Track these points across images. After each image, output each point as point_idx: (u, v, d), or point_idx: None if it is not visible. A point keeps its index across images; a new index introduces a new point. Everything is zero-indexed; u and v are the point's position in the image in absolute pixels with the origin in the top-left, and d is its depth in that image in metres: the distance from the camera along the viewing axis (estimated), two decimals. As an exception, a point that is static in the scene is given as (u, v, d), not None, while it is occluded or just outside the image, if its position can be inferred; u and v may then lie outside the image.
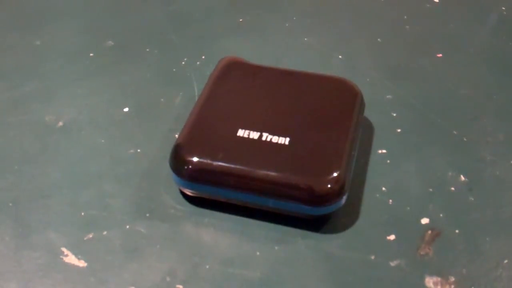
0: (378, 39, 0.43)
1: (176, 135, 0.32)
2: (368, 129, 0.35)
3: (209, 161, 0.29)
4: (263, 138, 0.30)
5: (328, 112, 0.32)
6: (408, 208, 0.31)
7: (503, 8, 0.46)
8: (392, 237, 0.29)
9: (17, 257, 0.29)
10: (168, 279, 0.28)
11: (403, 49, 0.42)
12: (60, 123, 0.36)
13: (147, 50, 0.42)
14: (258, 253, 0.29)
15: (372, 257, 0.29)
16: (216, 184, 0.29)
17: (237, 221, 0.30)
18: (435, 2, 0.47)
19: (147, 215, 0.30)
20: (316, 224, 0.30)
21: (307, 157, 0.29)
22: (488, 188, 0.32)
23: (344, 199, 0.29)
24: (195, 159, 0.29)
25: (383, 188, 0.32)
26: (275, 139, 0.30)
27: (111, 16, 0.45)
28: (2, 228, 0.30)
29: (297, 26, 0.44)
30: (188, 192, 0.31)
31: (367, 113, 0.35)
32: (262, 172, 0.29)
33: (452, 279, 0.28)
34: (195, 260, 0.28)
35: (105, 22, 0.45)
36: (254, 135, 0.30)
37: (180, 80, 0.39)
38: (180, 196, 0.31)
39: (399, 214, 0.31)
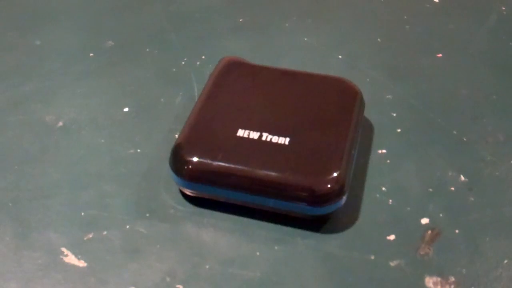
0: (378, 39, 0.43)
1: (176, 135, 0.32)
2: (368, 129, 0.35)
3: (209, 161, 0.29)
4: (263, 138, 0.30)
5: (328, 112, 0.32)
6: (408, 208, 0.31)
7: (503, 8, 0.46)
8: (392, 237, 0.29)
9: (17, 257, 0.29)
10: (168, 279, 0.28)
11: (403, 49, 0.42)
12: (60, 123, 0.36)
13: (147, 50, 0.42)
14: (258, 253, 0.29)
15: (372, 257, 0.29)
16: (216, 184, 0.29)
17: (237, 221, 0.30)
18: (435, 2, 0.47)
19: (147, 215, 0.30)
20: (316, 224, 0.30)
21: (307, 157, 0.29)
22: (488, 188, 0.32)
23: (344, 199, 0.29)
24: (195, 159, 0.29)
25: (383, 188, 0.32)
26: (275, 139, 0.30)
27: (111, 16, 0.45)
28: (2, 228, 0.30)
29: (297, 26, 0.44)
30: (188, 192, 0.31)
31: (367, 113, 0.35)
32: (262, 172, 0.29)
33: (452, 279, 0.28)
34: (195, 260, 0.28)
35: (105, 22, 0.45)
36: (254, 135, 0.30)
37: (180, 80, 0.39)
38: (180, 196, 0.31)
39: (399, 214, 0.31)
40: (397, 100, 0.38)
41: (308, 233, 0.30)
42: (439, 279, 0.28)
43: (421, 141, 0.35)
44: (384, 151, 0.34)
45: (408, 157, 0.34)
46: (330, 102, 0.33)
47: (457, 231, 0.30)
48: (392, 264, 0.28)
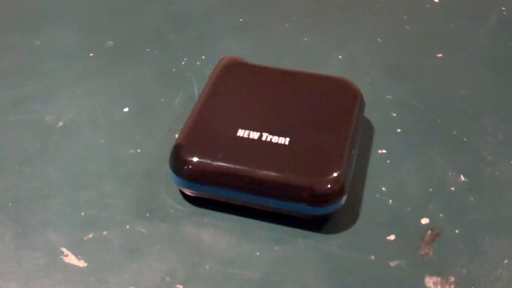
0: (378, 39, 0.43)
1: (176, 135, 0.32)
2: (368, 129, 0.35)
3: (209, 161, 0.29)
4: (263, 138, 0.30)
5: (328, 112, 0.32)
6: (408, 208, 0.31)
7: (503, 8, 0.46)
8: (392, 237, 0.29)
9: (17, 257, 0.29)
10: (168, 279, 0.28)
11: (403, 49, 0.42)
12: (60, 123, 0.36)
13: (147, 50, 0.42)
14: (258, 253, 0.29)
15: (372, 257, 0.29)
16: (216, 184, 0.29)
17: (237, 221, 0.30)
18: (435, 2, 0.47)
19: (147, 215, 0.30)
20: (316, 224, 0.30)
21: (307, 157, 0.29)
22: (488, 188, 0.32)
23: (344, 199, 0.29)
24: (195, 159, 0.29)
25: (383, 188, 0.32)
26: (275, 139, 0.30)
27: (111, 16, 0.45)
28: (2, 228, 0.30)
29: (297, 26, 0.44)
30: (188, 192, 0.31)
31: (367, 113, 0.35)
32: (262, 172, 0.29)
33: (452, 279, 0.28)
34: (195, 260, 0.28)
35: (105, 22, 0.45)
36: (254, 135, 0.30)
37: (180, 80, 0.39)
38: (180, 196, 0.31)
39: (399, 214, 0.31)
40: (397, 100, 0.38)
41: (308, 233, 0.30)
42: (439, 279, 0.28)
43: (421, 141, 0.35)
44: (384, 151, 0.34)
45: (408, 157, 0.34)
46: (330, 102, 0.33)
47: (457, 231, 0.30)
48: (392, 264, 0.28)
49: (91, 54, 0.41)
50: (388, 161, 0.33)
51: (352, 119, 0.32)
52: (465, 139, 0.35)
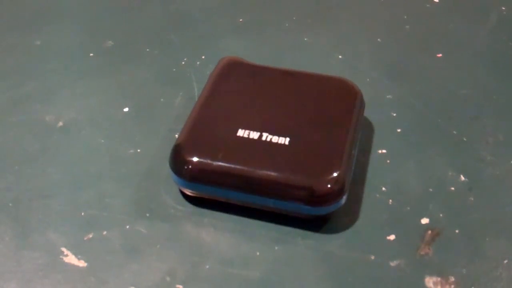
0: (378, 39, 0.43)
1: (176, 135, 0.32)
2: (368, 129, 0.35)
3: (209, 161, 0.29)
4: (263, 138, 0.30)
5: (328, 112, 0.32)
6: (408, 208, 0.31)
7: (503, 8, 0.46)
8: (392, 237, 0.29)
9: (17, 257, 0.29)
10: (168, 279, 0.28)
11: (403, 49, 0.42)
12: (60, 123, 0.36)
13: (147, 50, 0.42)
14: (258, 253, 0.29)
15: (372, 257, 0.29)
16: (216, 184, 0.29)
17: (237, 221, 0.30)
18: (435, 2, 0.47)
19: (147, 215, 0.30)
20: (316, 224, 0.30)
21: (307, 157, 0.29)
22: (488, 188, 0.32)
23: (344, 199, 0.29)
24: (195, 159, 0.29)
25: (383, 188, 0.32)
26: (275, 139, 0.30)
27: (111, 16, 0.45)
28: (2, 228, 0.30)
29: (297, 26, 0.44)
30: (188, 192, 0.31)
31: (367, 113, 0.35)
32: (262, 172, 0.29)
33: (452, 279, 0.28)
34: (195, 260, 0.28)
35: (105, 22, 0.45)
36: (254, 135, 0.30)
37: (180, 80, 0.39)
38: (180, 196, 0.31)
39: (399, 214, 0.31)
40: (397, 100, 0.38)
41: (308, 233, 0.30)
42: (439, 279, 0.28)
43: (421, 141, 0.35)
44: (384, 151, 0.34)
45: (408, 157, 0.34)
46: (330, 102, 0.33)
47: (457, 231, 0.30)
48: (392, 264, 0.28)
49: (91, 54, 0.41)
50: (388, 161, 0.33)
51: (352, 119, 0.32)
52: (465, 139, 0.35)
